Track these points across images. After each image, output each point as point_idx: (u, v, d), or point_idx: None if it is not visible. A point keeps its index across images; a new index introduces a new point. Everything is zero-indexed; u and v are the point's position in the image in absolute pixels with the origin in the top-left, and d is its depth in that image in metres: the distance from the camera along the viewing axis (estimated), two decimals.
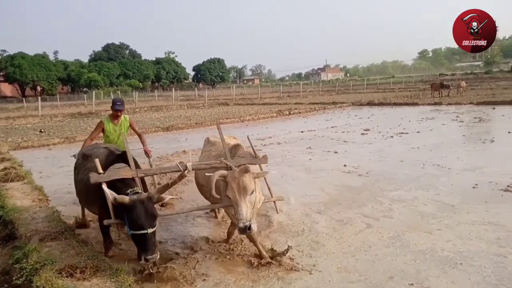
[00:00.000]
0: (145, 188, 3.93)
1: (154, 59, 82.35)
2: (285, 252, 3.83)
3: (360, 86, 52.92)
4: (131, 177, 3.59)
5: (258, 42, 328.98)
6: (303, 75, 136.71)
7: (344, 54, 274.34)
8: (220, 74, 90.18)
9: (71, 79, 65.66)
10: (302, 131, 14.05)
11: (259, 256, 3.87)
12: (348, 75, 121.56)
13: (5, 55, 64.88)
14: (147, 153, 5.67)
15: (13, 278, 3.29)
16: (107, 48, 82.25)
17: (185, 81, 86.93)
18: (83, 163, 4.29)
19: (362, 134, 12.62)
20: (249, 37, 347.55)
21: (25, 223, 4.56)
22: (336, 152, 9.61)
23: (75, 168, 4.60)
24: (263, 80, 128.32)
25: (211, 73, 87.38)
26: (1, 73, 61.30)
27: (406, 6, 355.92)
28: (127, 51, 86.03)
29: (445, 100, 24.67)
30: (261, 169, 4.01)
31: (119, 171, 3.56)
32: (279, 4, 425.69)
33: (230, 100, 35.46)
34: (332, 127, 14.91)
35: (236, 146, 4.12)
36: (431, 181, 6.56)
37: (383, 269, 3.60)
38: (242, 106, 28.80)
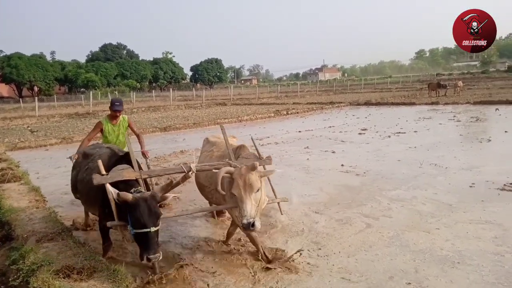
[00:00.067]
0: (148, 190, 3.87)
1: (151, 59, 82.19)
2: (294, 254, 3.79)
3: (357, 86, 53.01)
4: (134, 178, 3.55)
5: (256, 42, 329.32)
6: (300, 75, 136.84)
7: (341, 54, 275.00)
8: (218, 74, 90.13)
9: (68, 80, 65.47)
10: (299, 131, 14.06)
11: (260, 257, 3.87)
12: (346, 75, 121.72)
13: (1, 55, 64.51)
14: (144, 155, 5.65)
15: (10, 280, 3.28)
16: (105, 48, 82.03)
17: (183, 81, 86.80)
18: (83, 162, 4.22)
19: (360, 133, 12.63)
20: (247, 37, 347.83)
21: (22, 224, 4.55)
22: (333, 152, 9.62)
23: (73, 167, 4.54)
24: (261, 80, 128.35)
25: (208, 73, 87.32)
26: None
27: (403, 6, 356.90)
28: (125, 51, 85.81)
29: (442, 99, 24.75)
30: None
31: (123, 172, 3.52)
32: (276, 4, 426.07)
33: (228, 100, 35.45)
34: (330, 127, 14.93)
35: (241, 147, 4.09)
36: (428, 180, 6.57)
37: (383, 269, 3.60)
38: (240, 106, 28.80)
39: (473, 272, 3.47)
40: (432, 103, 23.19)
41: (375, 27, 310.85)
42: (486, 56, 79.37)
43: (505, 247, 3.92)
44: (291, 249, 4.08)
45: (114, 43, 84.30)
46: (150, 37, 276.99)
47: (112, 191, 3.15)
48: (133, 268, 3.80)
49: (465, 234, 4.30)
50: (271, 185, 4.21)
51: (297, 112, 21.82)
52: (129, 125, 5.57)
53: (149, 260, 3.07)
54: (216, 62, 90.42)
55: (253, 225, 3.22)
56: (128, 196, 3.09)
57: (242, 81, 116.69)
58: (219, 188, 3.38)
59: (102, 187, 3.36)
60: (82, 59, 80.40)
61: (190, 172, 3.50)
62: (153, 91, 58.05)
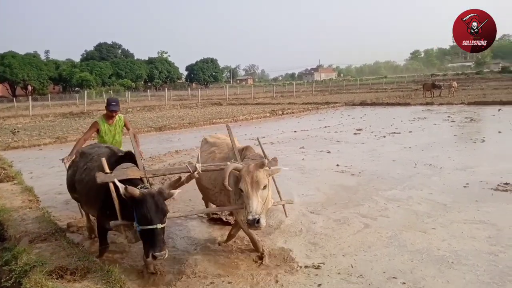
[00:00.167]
0: None
1: (146, 58, 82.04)
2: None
3: (353, 86, 53.18)
4: (139, 177, 3.48)
5: (252, 42, 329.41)
6: (296, 75, 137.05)
7: (337, 54, 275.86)
8: (213, 74, 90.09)
9: (62, 79, 65.14)
10: (295, 131, 14.07)
11: (258, 257, 3.87)
12: (341, 75, 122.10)
13: None
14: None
15: (2, 280, 3.25)
16: (99, 47, 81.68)
17: (178, 81, 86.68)
18: (81, 161, 4.14)
19: (355, 134, 12.67)
20: (243, 37, 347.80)
21: (15, 224, 4.51)
22: (329, 152, 9.64)
23: (70, 166, 4.45)
24: (257, 80, 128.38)
25: (204, 73, 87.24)
26: None
27: (398, 7, 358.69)
28: (120, 51, 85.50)
29: (437, 100, 24.91)
30: None
31: (127, 171, 3.44)
32: (273, 4, 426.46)
33: (224, 100, 35.41)
34: (325, 127, 14.96)
35: (247, 148, 4.06)
36: (423, 180, 6.60)
37: (381, 270, 3.60)
38: (235, 106, 28.77)
39: (469, 272, 3.48)
40: (427, 104, 23.33)
41: (371, 27, 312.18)
42: (480, 57, 79.97)
43: (499, 247, 3.94)
44: (291, 249, 4.08)
45: (109, 42, 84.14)
46: (146, 37, 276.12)
47: (120, 185, 3.08)
48: (130, 269, 3.78)
49: (460, 234, 4.32)
50: (276, 187, 4.17)
51: (293, 112, 21.85)
52: (125, 125, 5.49)
53: (154, 257, 2.98)
54: (212, 61, 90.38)
55: (258, 221, 3.19)
56: (136, 191, 3.03)
57: (238, 81, 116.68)
58: (226, 183, 3.36)
59: (103, 186, 3.30)
60: (77, 58, 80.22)
61: (195, 172, 3.45)
62: (148, 90, 57.95)
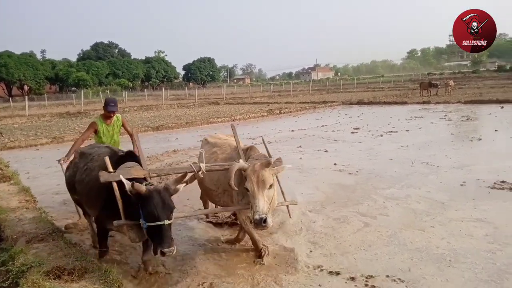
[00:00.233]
0: None
1: (143, 58, 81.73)
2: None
3: (350, 85, 53.27)
4: (142, 177, 3.43)
5: (249, 42, 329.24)
6: (293, 75, 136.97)
7: (334, 53, 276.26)
8: (211, 73, 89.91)
9: (59, 79, 64.80)
10: (292, 130, 14.08)
11: (257, 256, 3.86)
12: (339, 74, 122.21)
13: None
14: None
15: None
16: (96, 47, 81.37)
17: (175, 81, 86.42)
18: (81, 162, 4.08)
19: (352, 133, 12.69)
20: (240, 36, 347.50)
21: (12, 225, 4.49)
22: (326, 151, 9.65)
23: (68, 168, 4.39)
24: (254, 79, 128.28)
25: (201, 72, 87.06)
26: None
27: (396, 6, 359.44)
28: (116, 50, 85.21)
29: (434, 99, 24.99)
30: None
31: (131, 170, 3.39)
32: (271, 3, 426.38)
33: (221, 99, 35.37)
34: (323, 126, 14.97)
35: (251, 148, 4.04)
36: (420, 179, 6.63)
37: (382, 269, 3.60)
38: (232, 105, 28.75)
39: (468, 270, 3.50)
40: (424, 102, 23.40)
41: (368, 26, 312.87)
42: (476, 56, 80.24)
43: (496, 245, 3.97)
44: (292, 248, 4.08)
45: (106, 41, 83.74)
46: (142, 36, 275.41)
47: (126, 182, 3.04)
48: (128, 269, 3.77)
49: (458, 232, 4.34)
50: (280, 187, 4.14)
51: (290, 111, 21.86)
52: (122, 125, 5.41)
53: (163, 254, 2.94)
54: (209, 61, 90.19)
55: (265, 221, 3.17)
56: (142, 187, 3.00)
57: (235, 80, 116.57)
58: (232, 183, 3.34)
59: (105, 186, 3.25)
60: (73, 58, 79.81)
61: (200, 172, 3.41)
62: (145, 90, 57.63)
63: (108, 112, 5.16)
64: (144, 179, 3.43)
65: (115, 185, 3.19)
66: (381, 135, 11.78)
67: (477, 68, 73.85)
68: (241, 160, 3.69)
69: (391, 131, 12.44)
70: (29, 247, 3.72)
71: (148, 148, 11.07)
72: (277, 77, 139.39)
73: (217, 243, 4.40)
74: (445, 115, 16.30)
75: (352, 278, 3.45)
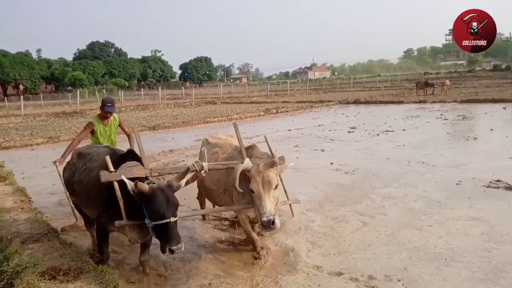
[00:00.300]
0: None
1: (140, 57, 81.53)
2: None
3: (346, 85, 53.34)
4: (144, 176, 3.37)
5: (246, 41, 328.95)
6: (290, 74, 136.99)
7: (331, 53, 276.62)
8: (207, 72, 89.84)
9: (55, 78, 64.54)
10: (289, 130, 14.08)
11: (255, 257, 3.85)
12: (336, 73, 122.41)
13: None
14: None
15: None
16: (92, 46, 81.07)
17: (172, 80, 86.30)
18: (79, 162, 3.99)
19: (349, 132, 12.72)
20: (237, 36, 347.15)
21: (6, 225, 4.45)
22: (323, 150, 9.66)
23: (66, 168, 4.27)
24: (251, 78, 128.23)
25: (198, 72, 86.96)
26: None
27: (392, 6, 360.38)
28: (113, 50, 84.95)
29: (430, 98, 25.09)
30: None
31: (132, 170, 3.33)
32: (267, 3, 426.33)
33: (218, 98, 35.32)
34: (319, 125, 14.99)
35: (252, 147, 4.01)
36: (416, 178, 6.64)
37: (381, 268, 3.60)
38: (229, 104, 28.71)
39: (465, 268, 3.51)
40: (420, 102, 23.48)
41: (365, 26, 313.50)
42: (472, 55, 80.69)
43: (492, 243, 3.98)
44: (291, 248, 4.07)
45: (102, 41, 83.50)
46: (139, 35, 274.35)
47: (128, 182, 2.99)
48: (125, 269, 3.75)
49: (455, 231, 4.35)
50: (283, 186, 4.10)
51: (287, 111, 21.86)
52: (119, 125, 5.33)
53: (172, 251, 2.91)
54: (206, 60, 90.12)
55: (273, 222, 3.14)
56: (145, 186, 2.95)
57: (232, 80, 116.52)
58: (237, 185, 3.29)
59: (105, 186, 3.19)
60: (69, 57, 79.51)
61: (202, 171, 3.38)
62: (142, 89, 57.47)
63: (105, 112, 5.07)
64: (146, 178, 3.37)
65: (116, 184, 3.13)
66: (378, 135, 11.81)
67: (473, 67, 74.28)
68: (245, 160, 3.65)
69: (388, 131, 12.47)
70: (24, 248, 3.69)
71: (144, 148, 11.02)
72: (274, 77, 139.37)
73: (217, 243, 4.37)
74: (441, 114, 16.36)
75: (352, 278, 3.43)
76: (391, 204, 5.38)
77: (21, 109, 25.40)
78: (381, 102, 24.88)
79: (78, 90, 36.27)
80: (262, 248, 4.00)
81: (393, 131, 12.39)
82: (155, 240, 3.41)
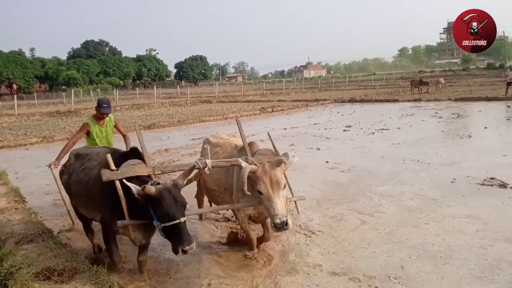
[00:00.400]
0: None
1: (135, 56, 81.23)
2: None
3: (342, 83, 53.49)
4: (147, 174, 3.29)
5: (241, 40, 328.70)
6: (286, 73, 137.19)
7: (326, 51, 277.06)
8: (203, 71, 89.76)
9: (49, 77, 64.16)
10: (285, 128, 14.10)
11: (250, 254, 3.85)
12: (331, 72, 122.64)
13: None
14: None
15: None
16: (86, 45, 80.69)
17: (167, 79, 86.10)
18: (76, 163, 3.86)
19: (344, 130, 12.75)
20: (232, 34, 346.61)
21: (0, 226, 4.42)
22: (318, 149, 9.68)
23: (63, 171, 4.09)
24: (246, 77, 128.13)
25: (193, 71, 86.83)
26: None
27: (387, 5, 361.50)
28: (107, 48, 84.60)
29: (425, 96, 25.20)
30: None
31: (134, 168, 3.22)
32: (262, 1, 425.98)
33: (213, 97, 35.27)
34: (315, 124, 15.01)
35: (251, 144, 3.96)
36: (411, 176, 6.67)
37: (380, 266, 3.59)
38: (225, 103, 28.69)
39: (462, 266, 3.52)
40: (415, 100, 23.57)
41: (359, 25, 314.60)
42: (466, 54, 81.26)
43: (487, 240, 4.01)
44: (290, 248, 4.07)
45: (96, 39, 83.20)
46: (133, 34, 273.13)
47: (132, 186, 2.91)
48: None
49: (451, 229, 4.37)
50: (288, 183, 4.01)
51: (282, 110, 21.87)
52: (115, 125, 5.23)
53: (184, 252, 2.85)
54: (201, 59, 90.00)
55: (286, 223, 3.09)
56: (152, 189, 2.86)
57: (227, 79, 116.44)
58: (245, 188, 3.22)
59: (110, 184, 3.10)
60: (63, 56, 79.11)
61: (205, 169, 3.31)
62: (137, 88, 57.21)
63: (101, 114, 4.95)
64: (148, 176, 3.30)
65: (118, 183, 3.07)
66: (373, 133, 11.85)
67: (467, 66, 74.84)
68: (247, 158, 3.59)
69: (383, 129, 12.52)
70: (18, 248, 3.67)
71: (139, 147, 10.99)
72: (270, 75, 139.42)
73: (217, 244, 4.34)
74: (436, 113, 16.44)
75: (353, 278, 3.42)
76: (388, 202, 5.39)
77: (14, 108, 25.20)
78: (376, 101, 24.97)
79: (73, 89, 36.02)
80: (259, 249, 3.98)
81: (388, 129, 12.44)
82: (153, 240, 3.41)
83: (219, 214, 5.22)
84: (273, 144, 4.08)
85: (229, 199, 3.91)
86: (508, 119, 13.66)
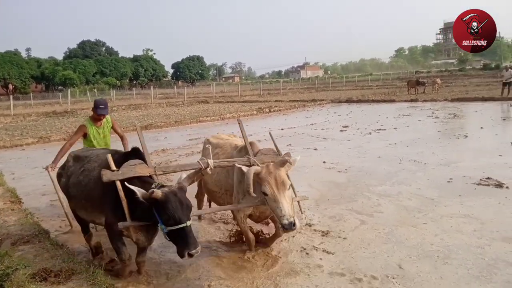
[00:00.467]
0: None
1: (131, 56, 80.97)
2: None
3: (339, 84, 53.57)
4: (148, 175, 3.24)
5: (238, 40, 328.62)
6: (283, 73, 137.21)
7: (323, 52, 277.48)
8: (200, 71, 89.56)
9: (45, 77, 63.82)
10: (282, 129, 14.10)
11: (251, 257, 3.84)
12: (328, 72, 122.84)
13: None
14: None
15: None
16: (83, 45, 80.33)
17: (164, 79, 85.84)
18: (75, 165, 3.79)
19: (341, 131, 12.77)
20: (229, 35, 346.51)
21: None
22: (316, 149, 9.69)
23: (61, 174, 4.00)
24: (243, 77, 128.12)
25: (190, 71, 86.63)
26: None
27: (384, 6, 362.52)
28: (104, 48, 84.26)
29: (421, 97, 25.29)
30: None
31: (136, 168, 3.18)
32: (259, 2, 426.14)
33: (210, 98, 35.22)
34: (312, 124, 15.02)
35: (251, 144, 3.95)
36: (408, 176, 6.69)
37: (380, 266, 3.60)
38: (222, 104, 28.66)
39: (460, 266, 3.53)
40: (412, 100, 23.65)
41: (356, 25, 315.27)
42: (462, 54, 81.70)
43: (484, 240, 4.03)
44: (289, 249, 4.07)
45: (93, 39, 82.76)
46: (130, 34, 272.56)
47: (136, 190, 2.86)
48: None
49: (449, 228, 4.39)
50: (291, 182, 4.04)
51: (280, 110, 21.88)
52: (112, 126, 5.16)
53: (190, 255, 2.81)
54: (198, 59, 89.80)
55: (294, 224, 3.09)
56: (158, 193, 2.81)
57: (224, 79, 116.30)
58: (251, 190, 3.20)
59: (109, 185, 3.07)
60: (60, 56, 78.75)
61: (208, 168, 3.29)
62: (134, 89, 57.01)
63: (98, 115, 4.88)
64: (150, 177, 3.26)
65: (118, 184, 3.03)
66: (370, 133, 11.88)
67: (463, 66, 75.21)
68: (249, 159, 3.57)
69: (380, 129, 12.55)
70: (14, 249, 3.65)
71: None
72: (267, 76, 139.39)
73: (217, 245, 4.32)
74: (432, 113, 16.50)
75: (354, 279, 3.42)
76: (387, 202, 5.41)
77: (10, 108, 25.06)
78: (373, 101, 25.03)
79: (69, 90, 35.93)
80: (258, 250, 3.97)
81: (385, 129, 12.47)
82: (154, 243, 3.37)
83: (217, 214, 5.21)
84: (275, 144, 4.06)
85: (230, 200, 3.91)
86: (504, 119, 13.75)
